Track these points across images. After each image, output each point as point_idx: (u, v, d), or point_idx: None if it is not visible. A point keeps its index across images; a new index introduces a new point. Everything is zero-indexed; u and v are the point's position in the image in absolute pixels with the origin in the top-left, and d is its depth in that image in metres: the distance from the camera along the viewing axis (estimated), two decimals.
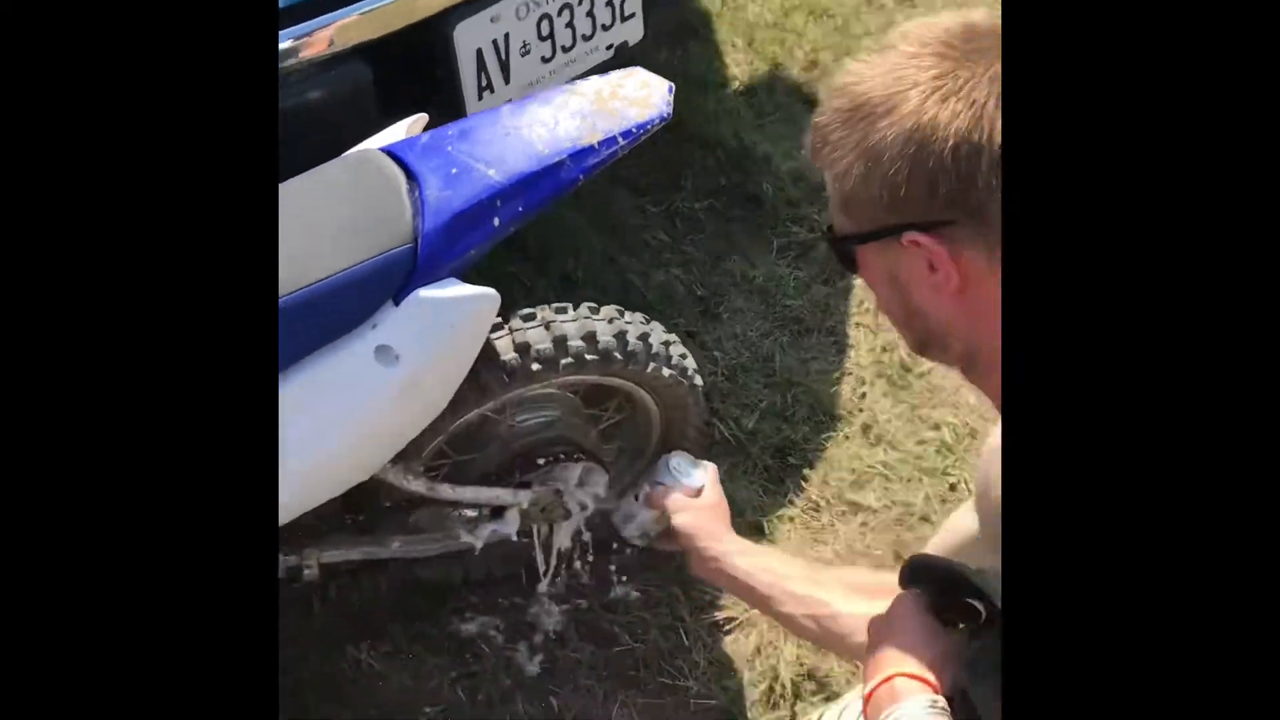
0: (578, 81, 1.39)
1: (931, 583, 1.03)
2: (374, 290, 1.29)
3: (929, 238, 0.84)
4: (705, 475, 1.60)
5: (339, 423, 1.34)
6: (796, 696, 1.75)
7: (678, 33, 2.87)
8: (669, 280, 2.35)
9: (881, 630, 1.02)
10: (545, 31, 1.84)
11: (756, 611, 1.86)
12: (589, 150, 1.32)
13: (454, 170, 1.32)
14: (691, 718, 1.76)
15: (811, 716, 1.38)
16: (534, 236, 2.41)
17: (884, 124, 0.83)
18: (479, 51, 1.77)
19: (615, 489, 1.76)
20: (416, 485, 1.58)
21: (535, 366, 1.56)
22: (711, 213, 2.51)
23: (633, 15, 1.96)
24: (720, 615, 1.87)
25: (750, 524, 1.96)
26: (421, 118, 1.46)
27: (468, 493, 1.63)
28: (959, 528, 1.37)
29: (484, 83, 1.80)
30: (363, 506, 1.64)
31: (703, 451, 1.81)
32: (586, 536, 1.80)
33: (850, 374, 2.20)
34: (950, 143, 0.80)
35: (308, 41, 1.60)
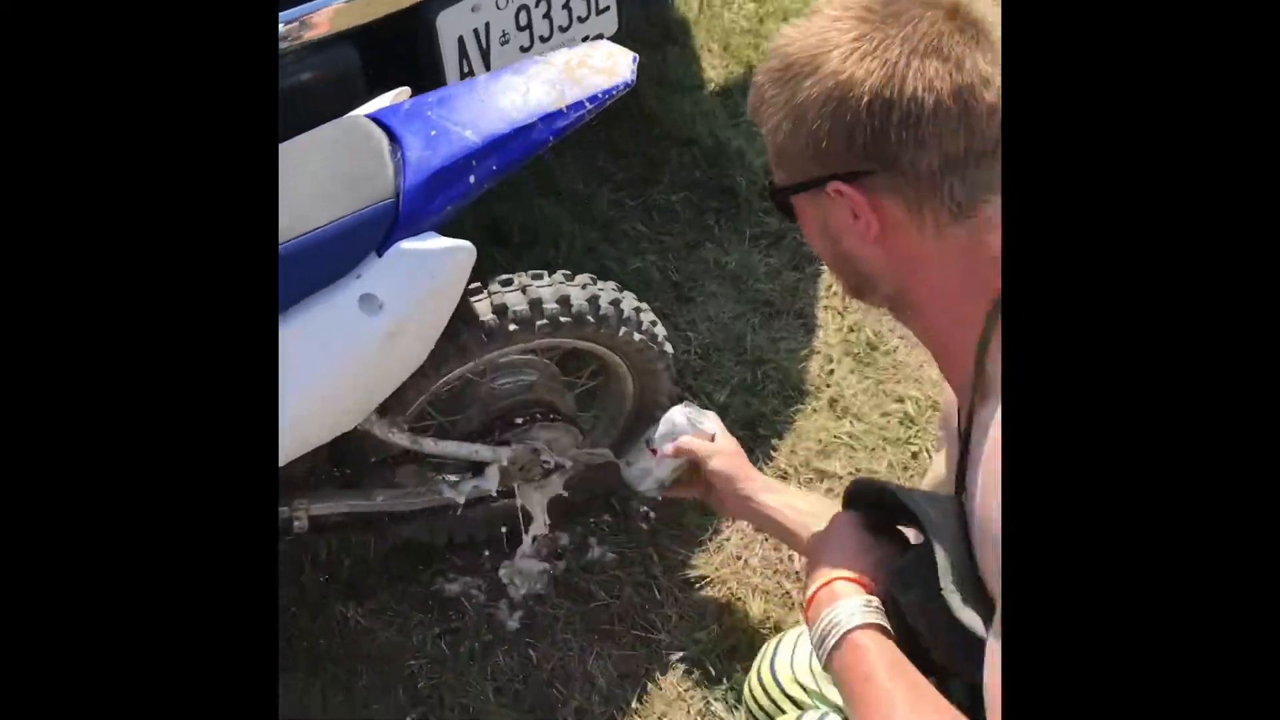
0: (549, 53, 1.50)
1: (868, 505, 1.13)
2: (359, 242, 1.39)
3: (850, 187, 0.92)
4: (715, 422, 1.63)
5: (326, 369, 1.43)
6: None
7: (660, 34, 3.00)
8: (645, 266, 2.46)
9: (820, 543, 1.12)
10: (524, 22, 1.96)
11: (726, 569, 1.96)
12: (558, 114, 1.42)
13: (433, 133, 1.42)
14: (663, 667, 1.84)
15: (770, 644, 1.47)
16: (517, 227, 2.52)
17: (809, 82, 0.90)
18: (460, 39, 1.88)
19: (622, 450, 1.82)
20: (401, 439, 1.68)
21: (512, 327, 1.66)
22: (687, 204, 2.62)
23: (607, 9, 2.07)
24: (692, 573, 1.96)
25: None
26: (404, 90, 1.57)
27: (449, 447, 1.72)
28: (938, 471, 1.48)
29: (465, 69, 1.91)
30: (349, 460, 1.73)
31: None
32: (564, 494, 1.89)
33: (818, 352, 2.31)
34: (865, 99, 0.87)
35: (299, 25, 1.71)
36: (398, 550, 1.99)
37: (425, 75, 1.86)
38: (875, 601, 1.02)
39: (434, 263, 1.41)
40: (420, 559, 1.99)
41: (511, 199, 2.58)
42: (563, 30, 2.03)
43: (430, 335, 1.48)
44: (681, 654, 1.85)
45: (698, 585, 1.95)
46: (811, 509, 1.39)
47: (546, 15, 1.98)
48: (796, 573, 1.94)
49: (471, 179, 1.40)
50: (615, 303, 1.76)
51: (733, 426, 2.14)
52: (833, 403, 2.21)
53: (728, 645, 1.86)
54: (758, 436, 2.15)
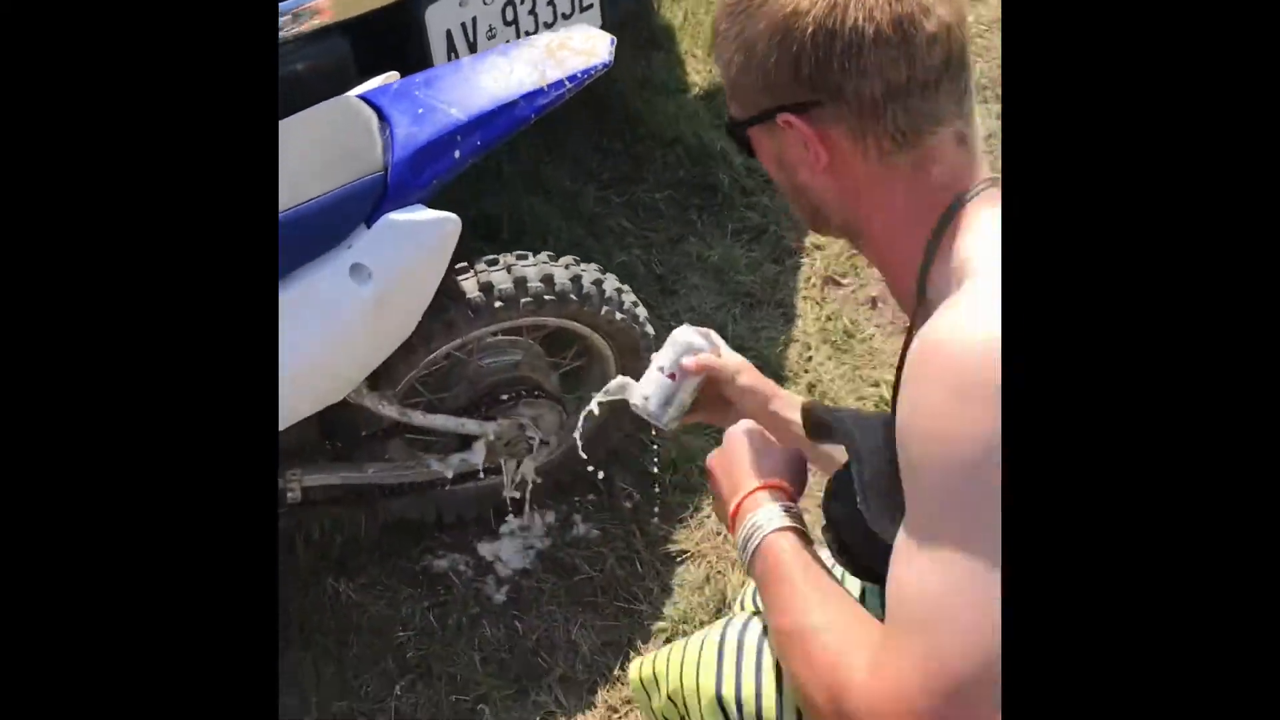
0: (531, 36, 1.58)
1: (816, 427, 1.13)
2: (349, 213, 1.46)
3: (798, 119, 0.95)
4: (720, 341, 1.49)
5: (319, 336, 1.50)
6: None
7: (645, 39, 3.08)
8: (631, 260, 2.53)
9: (724, 462, 1.15)
10: (510, 17, 2.04)
11: (706, 544, 2.03)
12: (539, 92, 1.50)
13: (420, 110, 1.50)
14: (645, 636, 1.90)
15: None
16: (506, 223, 2.59)
17: (758, 16, 0.95)
18: (449, 32, 1.96)
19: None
20: (391, 411, 1.75)
21: (498, 304, 1.73)
22: (671, 202, 2.69)
23: (590, 6, 2.15)
24: (673, 548, 2.02)
25: (700, 468, 2.12)
26: (393, 74, 1.65)
27: (438, 420, 1.79)
28: None
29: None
30: (341, 434, 1.80)
31: None
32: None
33: (797, 340, 2.38)
34: (810, 29, 0.91)
35: (294, 18, 1.79)
36: (388, 528, 2.04)
37: (414, 66, 1.92)
38: (795, 508, 1.06)
39: (421, 233, 1.48)
40: (410, 537, 2.05)
41: (500, 196, 2.66)
42: (547, 26, 2.11)
43: (418, 304, 1.55)
44: (662, 623, 1.91)
45: (679, 559, 2.01)
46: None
47: (531, 11, 2.06)
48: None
49: (457, 154, 1.48)
50: (597, 282, 1.83)
51: None
52: (811, 387, 2.27)
53: (707, 615, 1.92)
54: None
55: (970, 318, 0.83)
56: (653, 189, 2.72)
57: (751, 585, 1.46)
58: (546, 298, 1.76)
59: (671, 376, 1.38)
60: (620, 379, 1.43)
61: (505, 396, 1.84)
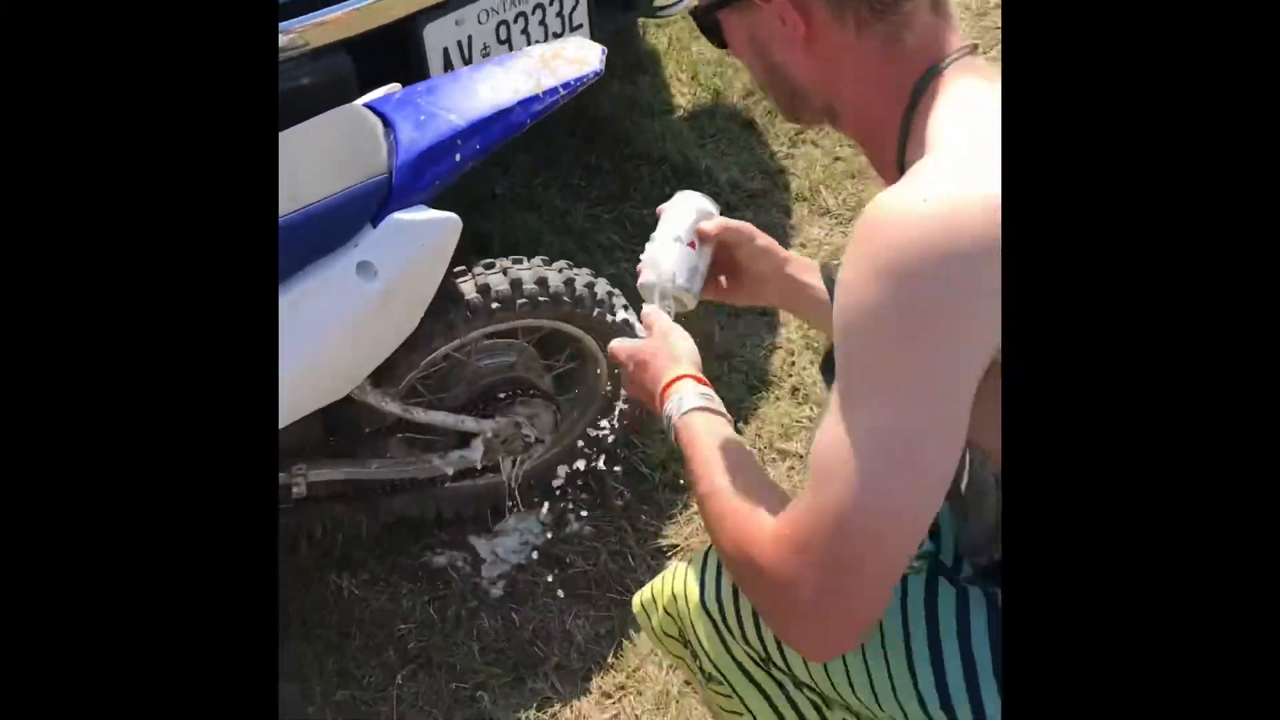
0: (526, 48, 1.67)
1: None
2: (355, 213, 1.55)
3: None
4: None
5: (327, 331, 1.58)
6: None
7: (633, 64, 3.19)
8: (620, 273, 2.62)
9: (647, 353, 1.19)
10: (503, 36, 2.14)
11: (695, 539, 2.10)
12: (534, 99, 1.59)
13: (422, 117, 1.59)
14: (638, 625, 1.97)
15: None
16: (499, 239, 2.68)
17: None
18: (445, 50, 2.06)
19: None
20: (393, 408, 1.83)
21: (495, 305, 1.82)
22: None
23: (580, 26, 2.26)
24: (663, 542, 2.10)
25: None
26: (394, 85, 1.74)
27: (438, 416, 1.87)
28: None
29: None
30: (345, 431, 1.87)
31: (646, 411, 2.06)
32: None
33: (780, 347, 2.47)
34: None
35: (299, 35, 1.88)
36: (388, 527, 2.11)
37: (413, 81, 2.02)
38: (708, 390, 1.13)
39: (424, 232, 1.57)
40: (409, 535, 2.12)
41: (493, 213, 2.75)
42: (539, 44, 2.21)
43: (421, 300, 1.63)
44: None
45: (669, 553, 2.09)
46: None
47: (524, 31, 2.16)
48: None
49: (457, 156, 1.57)
50: (590, 286, 1.92)
51: None
52: (794, 390, 2.36)
53: None
54: None
55: (907, 192, 0.83)
56: (640, 205, 2.81)
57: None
58: (541, 299, 1.85)
59: (691, 245, 1.26)
60: (648, 264, 1.29)
61: (502, 395, 1.92)
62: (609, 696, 1.90)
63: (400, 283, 1.58)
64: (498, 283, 1.83)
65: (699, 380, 1.14)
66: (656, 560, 2.07)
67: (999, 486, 0.96)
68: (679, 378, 1.13)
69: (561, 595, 2.03)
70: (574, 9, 2.24)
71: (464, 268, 1.83)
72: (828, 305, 1.19)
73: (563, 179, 2.90)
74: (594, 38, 2.31)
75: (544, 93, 1.60)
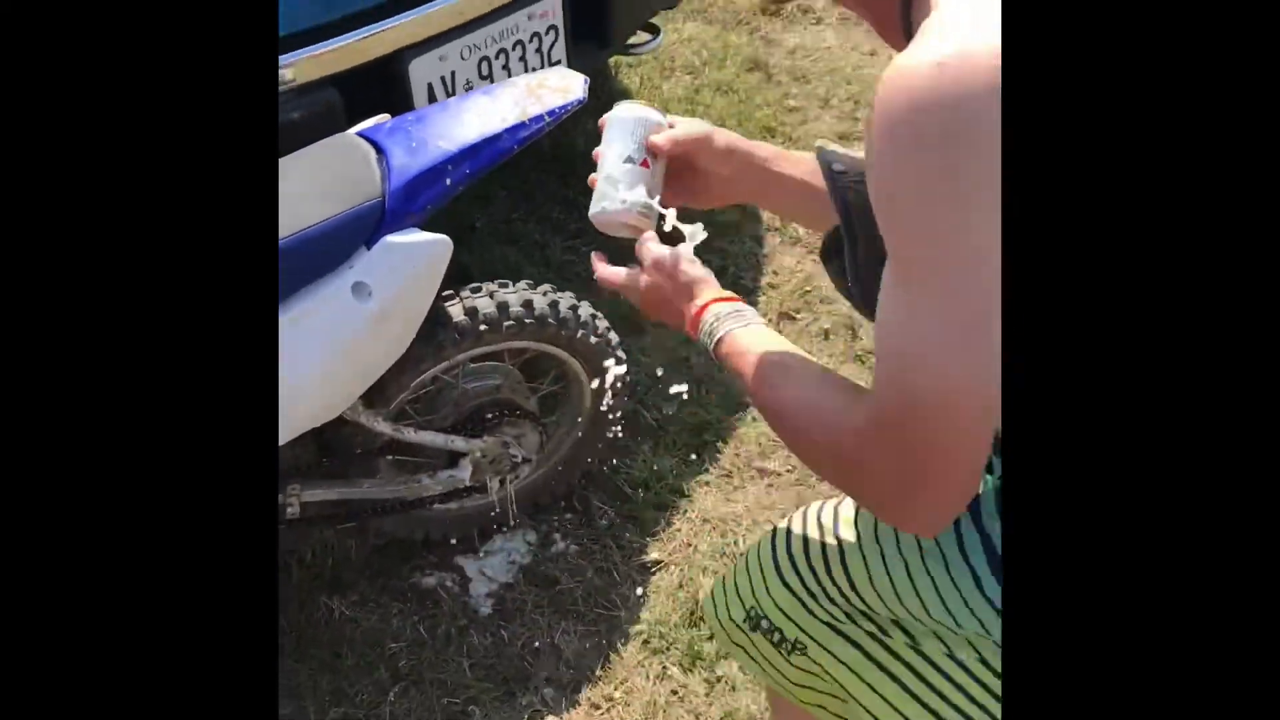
0: (512, 78, 1.75)
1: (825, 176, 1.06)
2: (351, 235, 1.60)
3: None
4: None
5: (324, 350, 1.63)
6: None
7: (606, 104, 3.27)
8: (598, 303, 2.68)
9: (669, 279, 1.17)
10: (485, 71, 2.22)
11: (678, 555, 2.16)
12: (521, 125, 1.67)
13: (413, 144, 1.66)
14: (624, 639, 2.02)
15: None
16: (477, 269, 2.75)
17: None
18: (430, 85, 2.13)
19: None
20: (384, 428, 1.88)
21: (483, 328, 1.88)
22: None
23: (558, 62, 2.34)
24: (647, 559, 2.15)
25: (670, 487, 2.26)
26: (384, 116, 1.81)
27: (428, 436, 1.92)
28: None
29: None
30: (337, 452, 1.92)
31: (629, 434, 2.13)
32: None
33: None
34: None
35: (291, 70, 1.95)
36: (378, 549, 2.16)
37: (399, 114, 2.10)
38: (735, 305, 1.12)
39: (417, 253, 1.63)
40: (398, 556, 2.17)
41: (474, 246, 2.82)
42: None
43: (414, 319, 1.69)
44: (639, 626, 2.04)
45: (653, 569, 2.14)
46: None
47: (505, 66, 2.24)
48: (741, 553, 2.14)
49: (448, 181, 1.63)
50: (573, 308, 1.98)
51: (680, 433, 2.37)
52: None
53: (680, 618, 2.04)
54: (704, 442, 2.36)
55: (923, 54, 0.79)
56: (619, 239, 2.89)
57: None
58: (527, 322, 1.91)
59: (644, 164, 1.18)
60: (602, 193, 1.20)
61: (490, 416, 1.98)
62: (598, 708, 1.94)
63: (394, 302, 1.63)
64: (485, 306, 1.89)
65: (722, 300, 1.13)
66: (642, 576, 2.12)
67: None
68: (705, 306, 1.12)
69: (549, 611, 2.07)
70: (552, 46, 2.33)
71: (452, 292, 1.90)
72: (808, 191, 1.19)
73: (540, 213, 2.97)
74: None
75: (530, 120, 1.67)
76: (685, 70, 3.55)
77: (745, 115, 3.33)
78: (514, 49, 2.24)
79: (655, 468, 2.31)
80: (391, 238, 1.62)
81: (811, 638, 1.25)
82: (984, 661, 1.08)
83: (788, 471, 2.31)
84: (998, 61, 0.74)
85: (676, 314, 1.17)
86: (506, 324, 1.90)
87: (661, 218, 1.19)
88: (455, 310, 1.88)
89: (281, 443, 1.70)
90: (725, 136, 1.23)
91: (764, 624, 1.30)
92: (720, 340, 1.09)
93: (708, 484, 2.30)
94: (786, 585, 1.25)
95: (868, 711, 1.20)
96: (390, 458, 2.00)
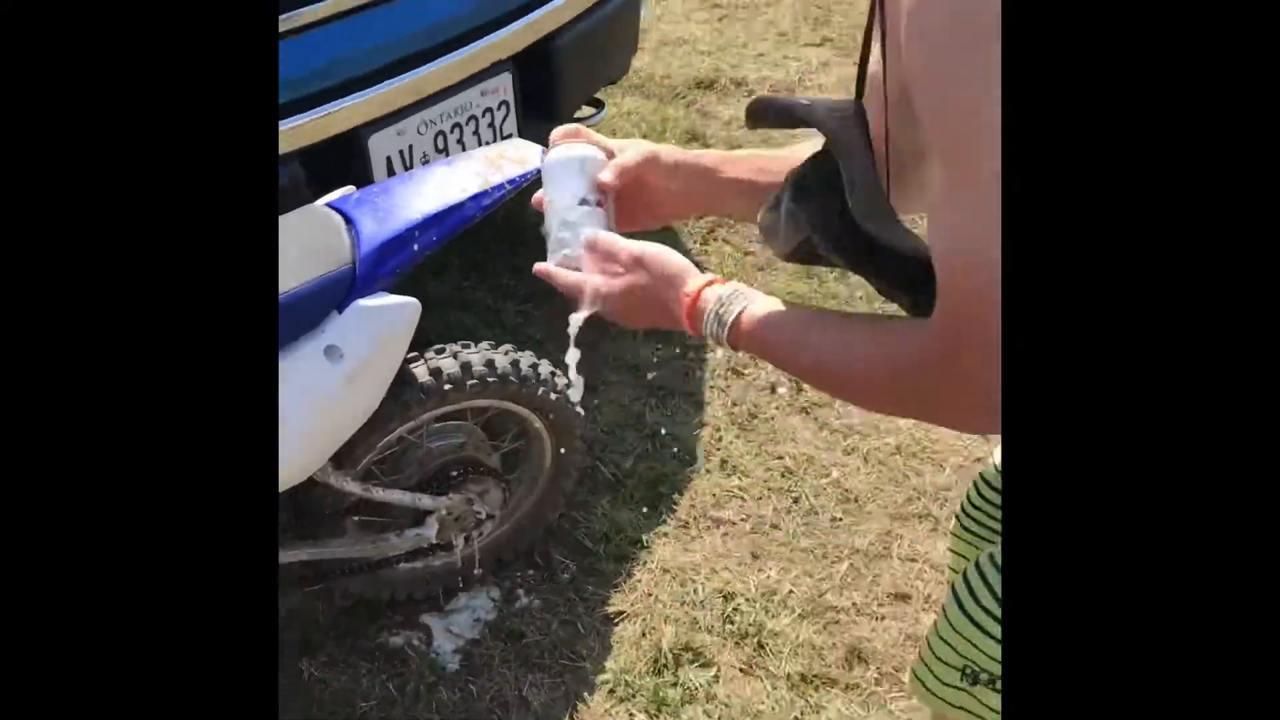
0: (470, 151, 1.84)
1: (775, 121, 1.06)
2: (323, 301, 1.68)
3: None
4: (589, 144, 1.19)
5: (298, 412, 1.70)
6: (678, 664, 2.10)
7: None
8: (553, 364, 2.77)
9: (649, 277, 1.09)
10: (441, 145, 2.31)
11: (640, 605, 2.22)
12: (483, 194, 1.76)
13: (380, 213, 1.74)
14: (590, 688, 2.08)
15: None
16: (434, 333, 2.82)
17: None
18: (389, 158, 2.22)
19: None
20: (353, 488, 1.93)
21: (447, 387, 1.95)
22: None
23: (510, 135, 2.44)
24: (610, 610, 2.21)
25: (630, 539, 2.33)
26: (350, 188, 1.89)
27: (395, 495, 1.98)
28: None
29: None
30: (307, 511, 1.97)
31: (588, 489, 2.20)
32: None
33: (708, 424, 2.63)
34: None
35: None
36: (345, 610, 2.20)
37: (360, 187, 2.19)
38: (731, 287, 1.06)
39: (386, 315, 1.70)
40: (365, 617, 2.20)
41: (431, 312, 2.89)
42: None
43: (383, 379, 1.76)
44: (605, 675, 2.09)
45: (616, 620, 2.20)
46: (765, 152, 1.22)
47: (459, 140, 2.34)
48: (702, 602, 2.21)
49: (415, 247, 1.71)
50: (534, 366, 2.07)
51: (637, 487, 2.45)
52: (723, 463, 2.52)
53: (645, 666, 2.10)
54: (659, 494, 2.44)
55: None
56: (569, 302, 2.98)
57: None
58: (490, 380, 1.99)
59: (599, 204, 1.13)
60: (562, 240, 1.14)
61: (454, 473, 2.04)
62: None
63: (365, 362, 1.70)
64: (448, 366, 1.96)
65: (714, 283, 1.07)
66: (605, 627, 2.18)
67: None
68: (698, 293, 1.06)
69: (516, 665, 2.12)
70: (504, 120, 2.44)
71: (416, 354, 1.97)
72: (757, 189, 1.16)
73: (491, 281, 3.06)
74: None
75: (492, 188, 1.76)
76: None
77: None
78: (468, 123, 2.35)
79: (614, 520, 2.38)
80: (362, 301, 1.69)
81: None
82: None
83: (741, 520, 2.39)
84: None
85: (661, 309, 1.08)
86: (470, 383, 1.97)
87: None
88: (420, 371, 1.95)
89: None
90: (670, 153, 1.19)
91: (982, 677, 1.25)
92: (736, 320, 1.04)
93: (666, 535, 2.37)
94: (991, 634, 1.21)
95: None
96: (357, 518, 2.05)
